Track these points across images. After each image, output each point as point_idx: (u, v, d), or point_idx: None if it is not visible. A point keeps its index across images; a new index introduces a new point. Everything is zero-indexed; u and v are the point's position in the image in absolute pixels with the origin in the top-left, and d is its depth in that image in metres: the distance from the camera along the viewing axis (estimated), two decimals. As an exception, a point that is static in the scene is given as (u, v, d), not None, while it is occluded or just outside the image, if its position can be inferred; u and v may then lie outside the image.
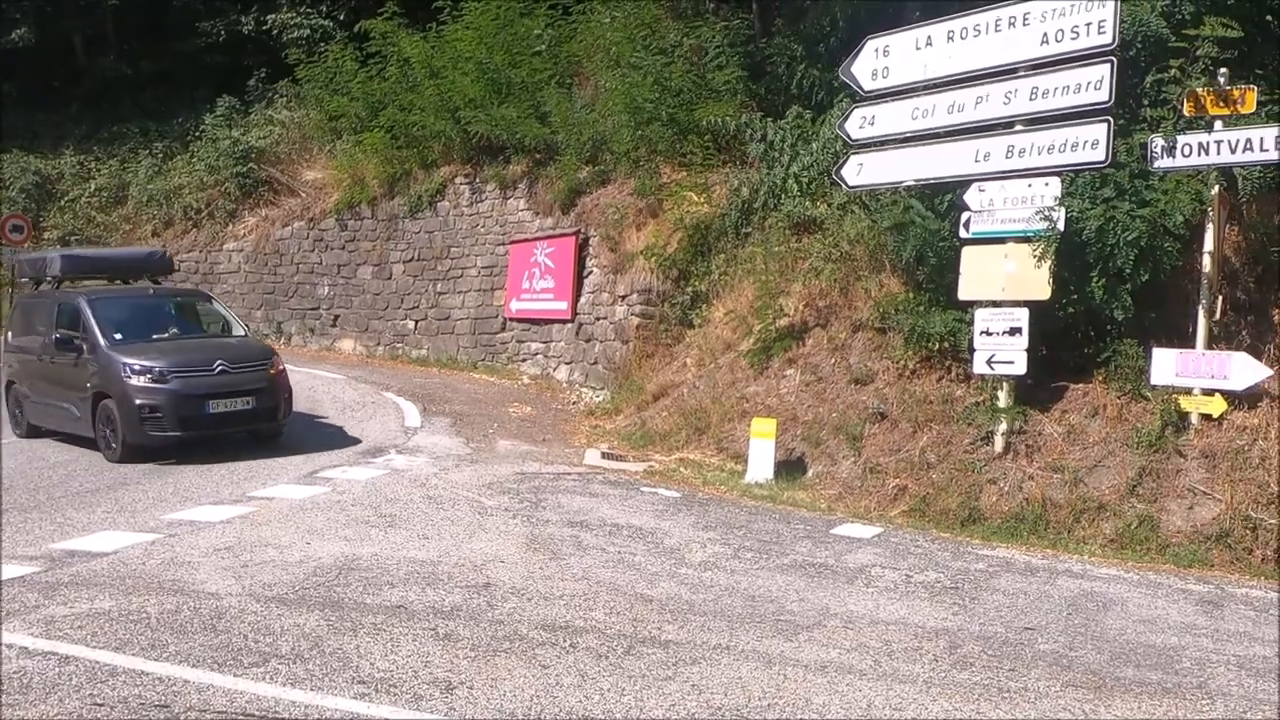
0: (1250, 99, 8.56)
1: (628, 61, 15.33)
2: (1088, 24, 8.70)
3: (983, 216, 9.45)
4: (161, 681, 4.83)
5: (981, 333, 9.34)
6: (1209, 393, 8.59)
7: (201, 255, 22.77)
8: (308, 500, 8.73)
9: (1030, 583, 7.09)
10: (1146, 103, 9.38)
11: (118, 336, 10.99)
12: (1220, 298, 8.99)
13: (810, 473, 10.14)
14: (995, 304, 9.32)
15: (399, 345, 19.38)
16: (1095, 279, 9.01)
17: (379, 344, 19.79)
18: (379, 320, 19.85)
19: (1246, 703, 5.03)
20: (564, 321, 15.99)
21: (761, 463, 10.03)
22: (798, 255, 12.20)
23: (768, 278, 12.16)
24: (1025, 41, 9.10)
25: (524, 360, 16.96)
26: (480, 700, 4.69)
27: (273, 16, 23.66)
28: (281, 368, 11.30)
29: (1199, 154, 8.67)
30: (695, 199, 14.01)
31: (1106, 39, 8.59)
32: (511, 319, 17.26)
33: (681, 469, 10.63)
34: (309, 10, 23.68)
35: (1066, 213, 8.96)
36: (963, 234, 9.60)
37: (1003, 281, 9.27)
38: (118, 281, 13.17)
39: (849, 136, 10.49)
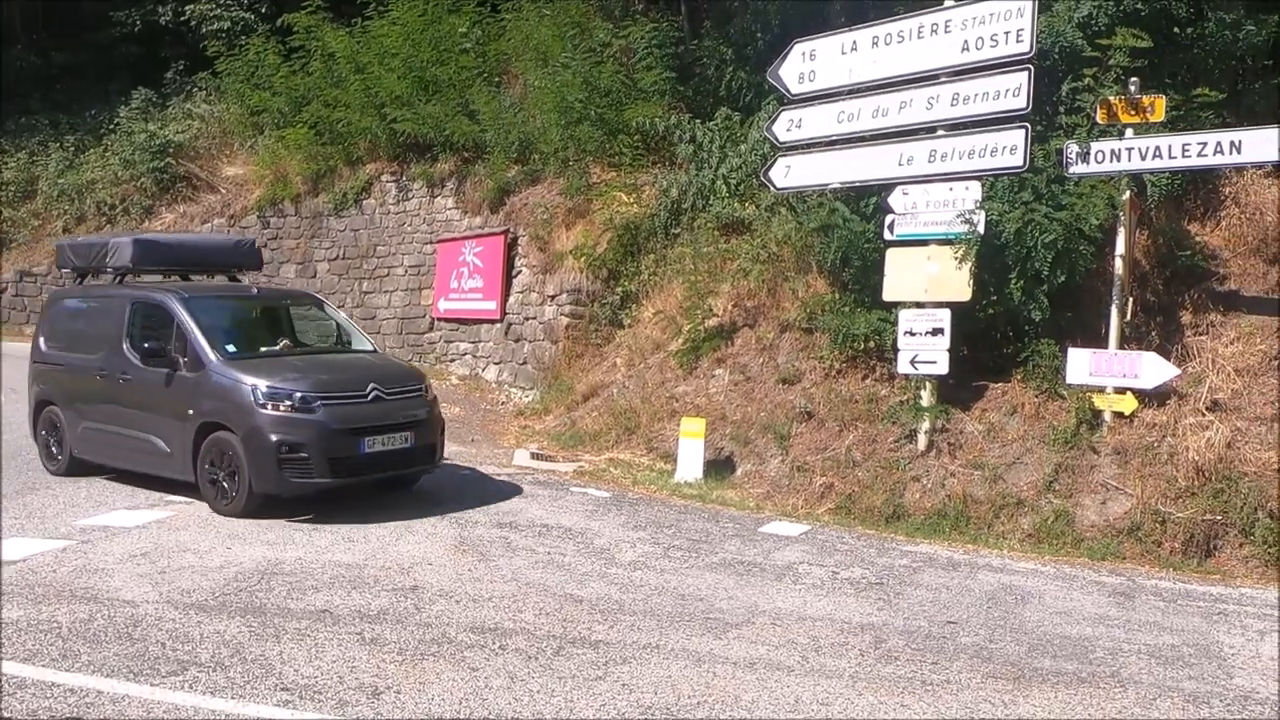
0: (1159, 107, 8.88)
1: (556, 61, 15.28)
2: (1006, 32, 8.93)
3: (906, 219, 9.64)
4: (73, 693, 4.66)
5: (905, 333, 9.52)
6: (1121, 391, 8.89)
7: (116, 252, 22.04)
8: (228, 504, 8.50)
9: (952, 577, 7.25)
10: (1062, 110, 9.68)
11: (231, 349, 8.54)
12: (1131, 299, 9.32)
13: (739, 471, 10.23)
14: (918, 305, 9.51)
15: (324, 345, 18.98)
16: (1014, 280, 9.26)
17: (302, 344, 19.34)
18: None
19: (1156, 690, 5.21)
20: (493, 321, 15.86)
21: (691, 462, 10.09)
22: (726, 256, 12.31)
23: (697, 278, 12.24)
24: (947, 48, 9.31)
25: (452, 360, 16.78)
26: (408, 704, 4.63)
27: (191, 7, 23.02)
28: (434, 394, 9.21)
29: (1111, 160, 8.97)
30: (624, 199, 14.04)
31: (1024, 47, 8.83)
32: (439, 319, 17.06)
33: (611, 469, 10.64)
34: (229, 2, 23.09)
35: (986, 216, 9.19)
36: (887, 236, 9.78)
37: (925, 283, 9.46)
38: (192, 277, 10.53)
39: (777, 139, 10.61)
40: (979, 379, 9.74)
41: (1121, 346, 9.05)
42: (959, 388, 9.64)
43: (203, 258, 10.68)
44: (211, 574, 6.52)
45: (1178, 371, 8.89)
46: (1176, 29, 10.03)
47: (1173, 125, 9.04)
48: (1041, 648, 5.80)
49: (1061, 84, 9.69)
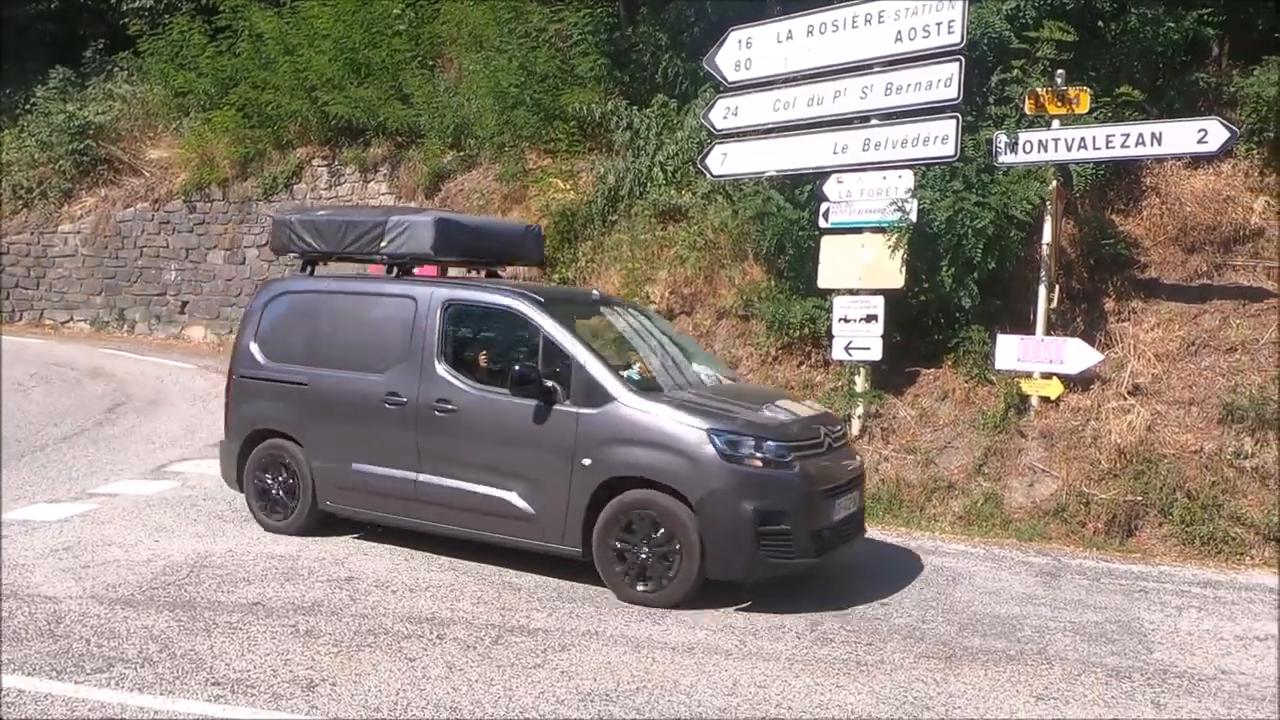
0: (1084, 100, 9.11)
1: (491, 45, 15.12)
2: (938, 23, 9.07)
3: (841, 207, 9.74)
4: (-7, 693, 4.51)
5: (840, 320, 9.64)
6: (1047, 376, 9.12)
7: (33, 238, 21.27)
8: (155, 496, 8.30)
9: (886, 560, 7.37)
10: (992, 101, 9.88)
11: (630, 376, 6.46)
12: (1057, 287, 9.55)
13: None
14: (852, 292, 9.63)
15: (253, 333, 18.59)
16: (945, 268, 9.43)
17: (231, 331, 18.88)
18: (232, 307, 18.98)
19: (1081, 666, 5.37)
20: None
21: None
22: (663, 243, 12.32)
23: (634, 265, 12.24)
24: (880, 38, 9.42)
25: (386, 348, 16.54)
26: (344, 697, 4.57)
27: (112, -16, 22.27)
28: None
29: (1039, 151, 9.17)
30: (561, 186, 13.96)
31: (955, 39, 8.97)
32: (373, 306, 16.77)
33: (549, 456, 10.58)
34: (152, -21, 22.38)
35: (919, 204, 9.33)
36: (822, 224, 9.88)
37: (859, 270, 9.59)
38: (472, 271, 8.34)
39: (713, 126, 10.64)
40: (912, 365, 9.92)
41: (1048, 333, 9.28)
42: (892, 374, 9.79)
43: (499, 246, 8.26)
44: (138, 568, 6.36)
45: (1101, 357, 9.15)
46: (1101, 23, 10.28)
47: (1097, 117, 9.28)
48: (972, 627, 5.94)
49: (991, 75, 9.88)
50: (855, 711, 4.62)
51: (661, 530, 6.00)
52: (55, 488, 8.50)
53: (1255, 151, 10.25)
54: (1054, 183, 9.35)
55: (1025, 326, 9.40)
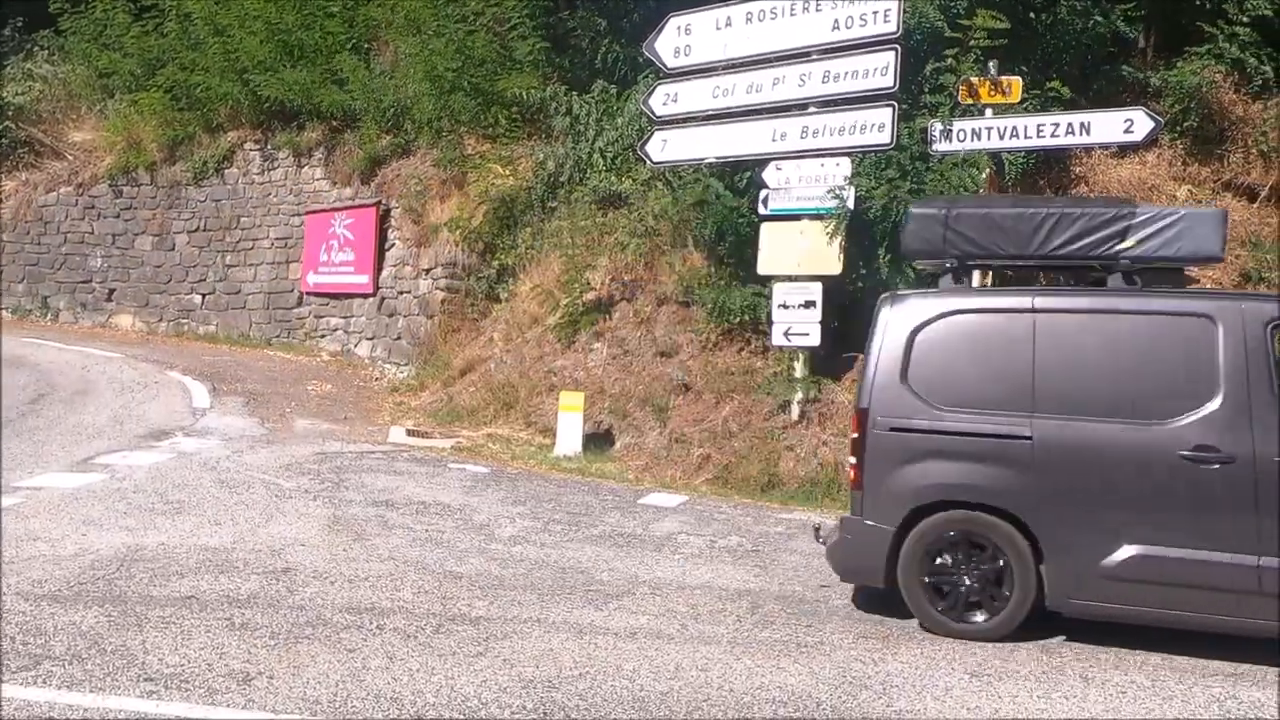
0: (1016, 89, 9.30)
1: (428, 28, 14.90)
2: (874, 12, 9.17)
3: (780, 194, 9.82)
4: (-88, 694, 4.35)
5: (779, 306, 9.73)
6: (980, 361, 9.28)
7: (-51, 223, 20.53)
8: (82, 489, 8.07)
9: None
10: (927, 89, 10.01)
11: None
12: (990, 272, 9.72)
13: (618, 444, 10.29)
14: (791, 278, 9.72)
15: (184, 321, 18.19)
16: (882, 254, 9.57)
17: (161, 320, 18.49)
18: (161, 295, 18.54)
19: (1013, 642, 5.51)
20: (365, 296, 15.47)
21: (569, 436, 10.09)
22: (604, 230, 12.29)
23: (574, 252, 12.20)
24: (817, 26, 9.50)
25: (323, 336, 16.30)
26: (281, 689, 4.50)
27: (30, -40, 21.48)
28: None
29: (972, 139, 9.35)
30: (500, 171, 13.85)
31: (891, 27, 9.08)
32: (309, 293, 16.54)
33: (489, 444, 10.54)
34: (73, -45, 21.64)
35: (856, 191, 9.44)
36: (761, 211, 9.95)
37: (798, 257, 9.68)
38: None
39: (653, 113, 10.64)
40: (849, 350, 10.02)
41: (981, 318, 9.44)
42: (831, 359, 9.91)
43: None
44: (65, 563, 6.18)
45: (1032, 341, 9.32)
46: (1032, 14, 10.49)
47: (1028, 107, 9.47)
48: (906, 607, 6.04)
49: (925, 64, 10.02)
50: (795, 692, 4.69)
51: None
52: (-24, 482, 8.22)
53: (1178, 141, 10.56)
54: (987, 170, 9.53)
55: (959, 312, 9.56)
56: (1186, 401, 5.31)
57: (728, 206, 10.29)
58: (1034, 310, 5.73)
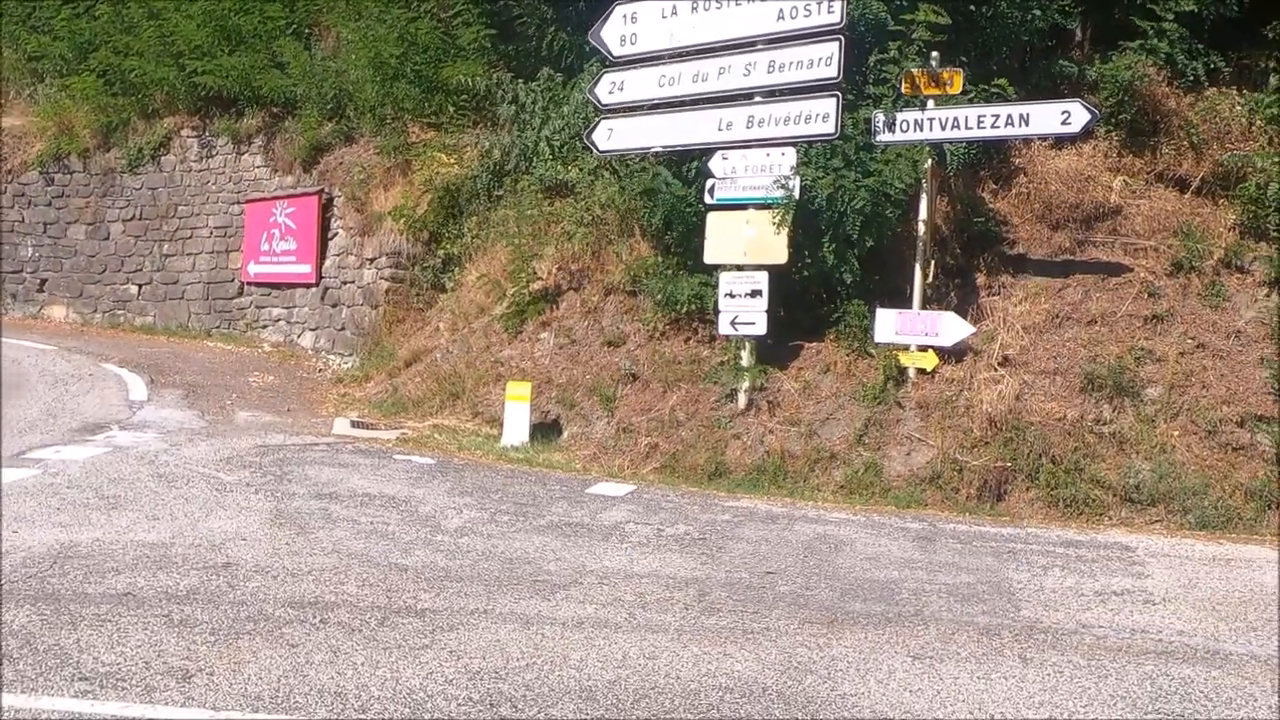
0: (957, 81, 9.41)
1: (370, 14, 14.68)
2: (819, 2, 9.23)
3: (726, 184, 9.85)
4: None
5: (726, 295, 9.77)
6: (923, 349, 9.45)
7: None
8: (13, 484, 7.84)
9: (771, 530, 7.54)
10: (871, 80, 10.09)
11: None
12: (932, 263, 9.89)
13: (565, 434, 10.27)
14: (738, 268, 9.77)
15: (120, 312, 17.77)
16: (827, 244, 9.64)
17: (96, 311, 18.05)
18: (95, 285, 18.09)
19: (954, 625, 5.61)
20: (308, 285, 15.24)
21: (517, 426, 10.04)
22: (550, 219, 12.23)
23: (521, 241, 12.12)
24: (763, 16, 9.52)
25: (265, 327, 16.03)
26: (222, 686, 4.43)
27: (-47, -62, 20.74)
28: None
29: (915, 130, 9.45)
30: (445, 160, 13.71)
31: (835, 18, 9.14)
32: (250, 283, 16.25)
33: (436, 435, 10.46)
34: (-1, -66, 20.95)
35: (801, 181, 9.50)
36: (708, 200, 9.97)
37: (744, 246, 9.72)
38: None
39: (599, 101, 10.60)
40: (795, 339, 10.13)
41: (924, 307, 9.59)
42: (777, 348, 9.98)
43: None
44: (-5, 561, 6.00)
45: (973, 330, 9.52)
46: (973, 6, 10.61)
47: (971, 99, 9.59)
48: (853, 592, 6.13)
49: (869, 55, 10.10)
50: (741, 678, 4.72)
51: None
52: (-100, 478, 7.95)
53: (1114, 133, 10.78)
54: (929, 161, 9.65)
55: (903, 301, 9.70)
56: None
57: (675, 195, 10.29)
58: None
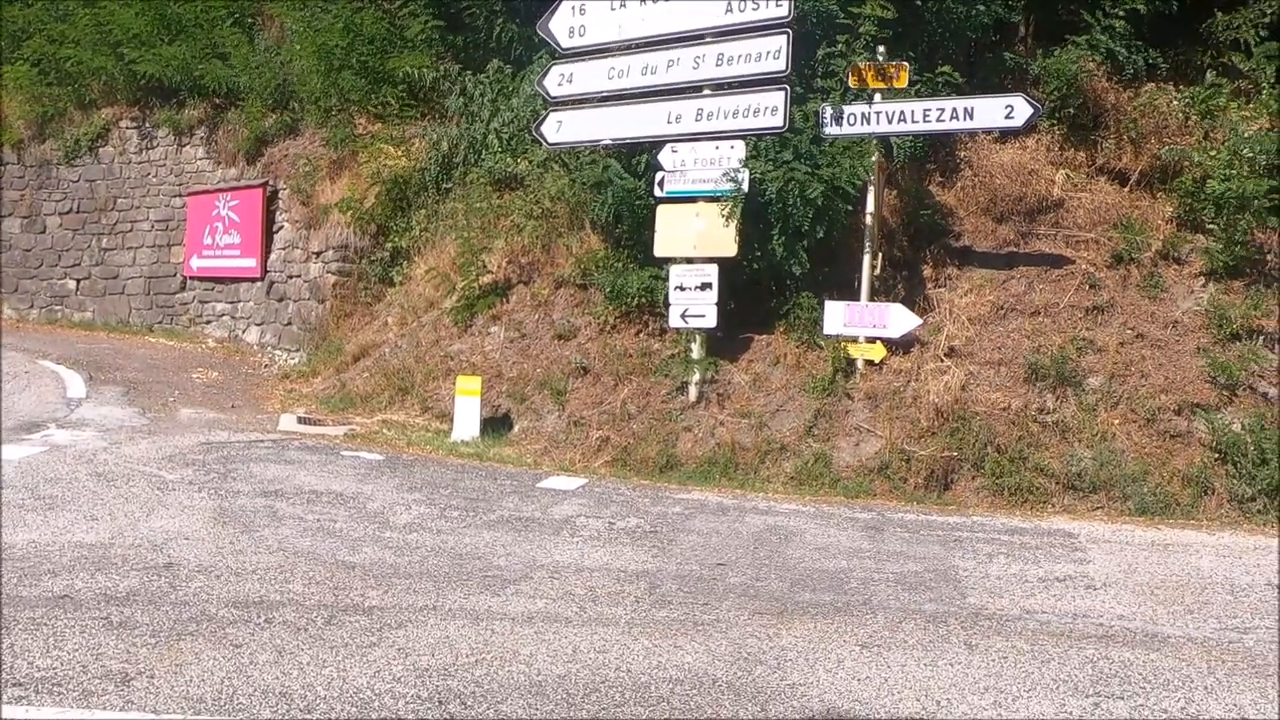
0: (903, 75, 9.50)
1: (314, 3, 14.45)
2: (767, -5, 9.24)
3: (675, 176, 9.85)
4: None
5: (676, 288, 9.78)
6: (871, 340, 9.53)
7: None
8: (-55, 486, 7.61)
9: (722, 521, 7.57)
10: (819, 74, 10.15)
11: None
12: (880, 255, 9.98)
13: (516, 428, 10.21)
14: (688, 261, 9.78)
15: (57, 308, 17.34)
16: (776, 237, 9.69)
17: (32, 306, 17.59)
18: (31, 280, 17.63)
19: (902, 613, 5.67)
20: (253, 280, 14.99)
21: (467, 421, 9.97)
22: (500, 212, 12.15)
23: (470, 234, 12.02)
24: (711, 9, 9.53)
25: (209, 322, 15.74)
26: (163, 689, 4.33)
27: (-123, -79, 20.02)
28: None
29: (862, 123, 9.52)
30: (393, 152, 13.55)
31: (783, 11, 9.17)
32: (193, 277, 15.94)
33: (385, 431, 10.34)
34: (-75, -82, 20.27)
35: (750, 174, 9.53)
36: (658, 193, 9.97)
37: (694, 239, 9.73)
38: None
39: (548, 94, 10.53)
40: (745, 331, 10.16)
41: (872, 298, 9.68)
42: (727, 340, 10.02)
43: None
44: (-75, 564, 5.82)
45: (920, 321, 9.63)
46: (919, 1, 10.71)
47: (917, 93, 9.69)
48: (803, 582, 6.17)
49: (818, 49, 10.15)
50: (692, 670, 4.73)
51: None
52: None
53: (1056, 127, 10.96)
54: (876, 154, 9.73)
55: (851, 293, 9.78)
56: None
57: (625, 188, 10.27)
58: None
